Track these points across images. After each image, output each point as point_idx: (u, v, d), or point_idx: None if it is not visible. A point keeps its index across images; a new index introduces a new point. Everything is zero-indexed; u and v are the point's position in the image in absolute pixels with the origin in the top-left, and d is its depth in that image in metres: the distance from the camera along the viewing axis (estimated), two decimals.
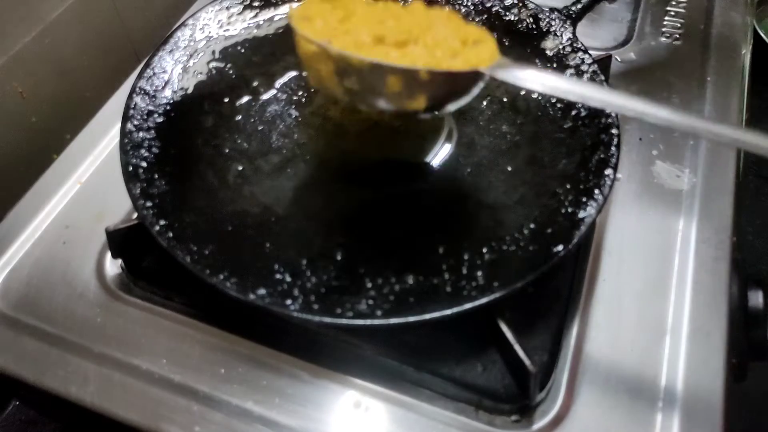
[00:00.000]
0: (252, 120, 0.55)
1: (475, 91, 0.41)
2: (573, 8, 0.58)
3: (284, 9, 0.62)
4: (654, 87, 0.61)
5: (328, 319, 0.40)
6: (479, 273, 0.43)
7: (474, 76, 0.40)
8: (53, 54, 0.68)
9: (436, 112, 0.43)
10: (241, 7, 0.60)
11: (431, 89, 0.40)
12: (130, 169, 0.47)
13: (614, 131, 0.48)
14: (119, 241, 0.47)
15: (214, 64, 0.57)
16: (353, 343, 0.45)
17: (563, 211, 0.45)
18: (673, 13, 0.69)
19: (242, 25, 0.60)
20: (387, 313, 0.40)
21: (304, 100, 0.56)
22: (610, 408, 0.41)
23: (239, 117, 0.55)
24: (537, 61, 0.56)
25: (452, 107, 0.43)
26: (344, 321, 0.40)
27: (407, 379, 0.43)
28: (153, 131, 0.50)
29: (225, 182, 0.50)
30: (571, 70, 0.54)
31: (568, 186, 0.47)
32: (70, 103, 0.71)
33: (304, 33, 0.41)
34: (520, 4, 0.59)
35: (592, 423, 0.41)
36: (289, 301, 0.41)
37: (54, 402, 0.44)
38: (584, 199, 0.45)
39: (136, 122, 0.50)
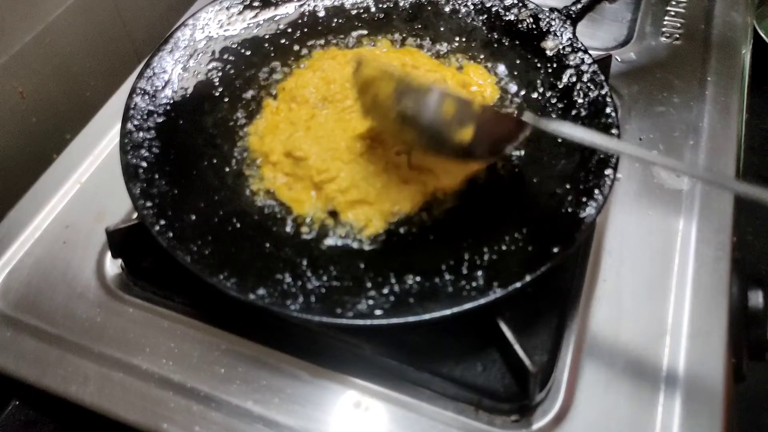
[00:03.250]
0: (252, 120, 0.55)
1: (515, 142, 0.44)
2: (573, 8, 0.58)
3: (284, 9, 0.62)
4: (654, 87, 0.61)
5: (328, 319, 0.40)
6: (479, 273, 0.43)
7: (517, 126, 0.43)
8: (53, 54, 0.68)
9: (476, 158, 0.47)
10: (241, 7, 0.60)
11: (478, 124, 0.42)
12: (130, 169, 0.47)
13: (614, 131, 0.48)
14: (119, 241, 0.47)
15: (214, 64, 0.57)
16: (353, 343, 0.45)
17: (563, 211, 0.45)
18: (673, 13, 0.69)
19: (242, 25, 0.60)
20: (387, 313, 0.40)
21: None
22: (610, 408, 0.41)
23: (239, 117, 0.55)
24: (537, 61, 0.56)
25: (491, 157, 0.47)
26: (344, 321, 0.40)
27: (407, 379, 0.43)
28: (153, 131, 0.50)
29: (225, 182, 0.50)
30: (571, 70, 0.54)
31: (568, 186, 0.47)
32: (70, 103, 0.71)
33: (369, 56, 0.45)
34: (520, 4, 0.59)
35: (592, 423, 0.41)
36: (289, 301, 0.41)
37: (54, 402, 0.44)
38: (584, 199, 0.45)
39: (136, 122, 0.50)
